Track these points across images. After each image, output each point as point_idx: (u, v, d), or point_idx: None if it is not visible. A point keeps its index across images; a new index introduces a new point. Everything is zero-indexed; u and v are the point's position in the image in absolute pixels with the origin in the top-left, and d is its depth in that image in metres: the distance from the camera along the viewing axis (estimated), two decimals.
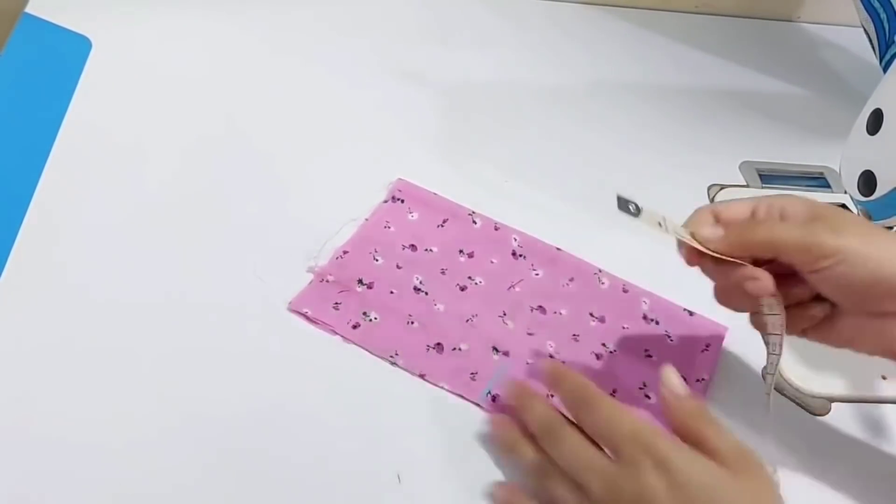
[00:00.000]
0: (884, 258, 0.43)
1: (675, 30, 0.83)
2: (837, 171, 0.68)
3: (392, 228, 0.61)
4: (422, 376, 0.53)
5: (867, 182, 0.51)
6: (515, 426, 0.49)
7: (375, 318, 0.55)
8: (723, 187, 0.68)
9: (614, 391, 0.53)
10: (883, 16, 0.67)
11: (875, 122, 0.51)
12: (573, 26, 0.82)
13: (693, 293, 0.52)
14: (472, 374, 0.53)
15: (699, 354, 0.56)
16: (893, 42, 0.66)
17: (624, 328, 0.57)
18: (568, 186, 0.66)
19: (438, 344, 0.55)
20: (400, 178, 0.64)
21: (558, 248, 0.60)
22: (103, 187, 0.60)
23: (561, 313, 0.58)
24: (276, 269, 0.57)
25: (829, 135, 0.71)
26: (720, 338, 0.57)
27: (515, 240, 0.61)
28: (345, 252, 0.59)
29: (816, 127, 0.74)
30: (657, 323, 0.57)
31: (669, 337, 0.57)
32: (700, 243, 0.47)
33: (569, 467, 0.45)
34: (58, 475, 0.46)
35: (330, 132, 0.67)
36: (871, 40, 0.70)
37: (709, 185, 0.68)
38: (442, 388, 0.52)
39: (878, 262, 0.43)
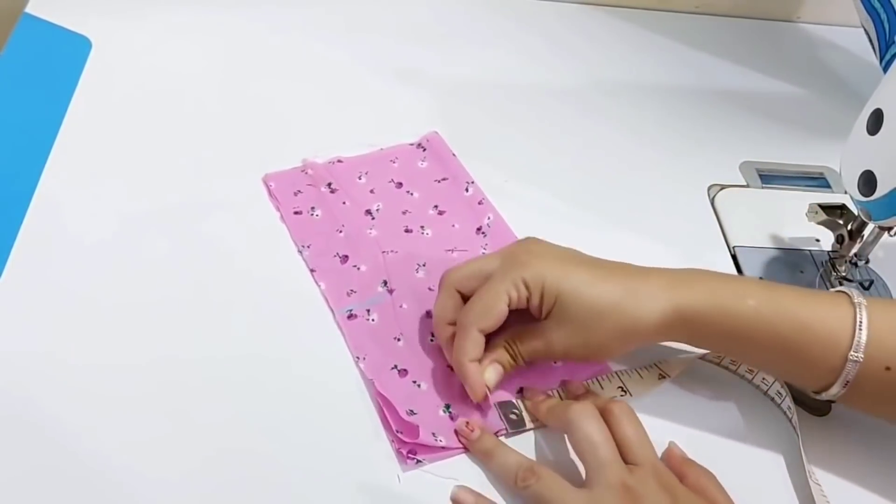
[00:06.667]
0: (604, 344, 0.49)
1: (675, 30, 0.83)
2: (837, 171, 0.68)
3: (396, 165, 0.65)
4: (312, 271, 0.56)
5: (867, 182, 0.51)
6: (487, 431, 0.49)
7: (317, 215, 0.60)
8: (723, 187, 0.68)
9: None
10: (883, 16, 0.67)
11: (875, 122, 0.51)
12: (573, 26, 0.82)
13: None
14: (351, 290, 0.55)
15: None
16: (893, 42, 0.66)
17: None
18: (568, 186, 0.66)
19: (346, 255, 0.57)
20: (435, 131, 0.67)
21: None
22: (103, 187, 0.60)
23: None
24: (269, 277, 0.57)
25: (829, 135, 0.71)
26: (606, 369, 0.54)
27: (489, 218, 0.61)
28: (339, 161, 0.63)
29: (816, 127, 0.74)
30: None
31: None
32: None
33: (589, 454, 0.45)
34: (58, 475, 0.46)
35: (330, 132, 0.67)
36: (871, 40, 0.70)
37: (709, 185, 0.68)
38: (318, 285, 0.55)
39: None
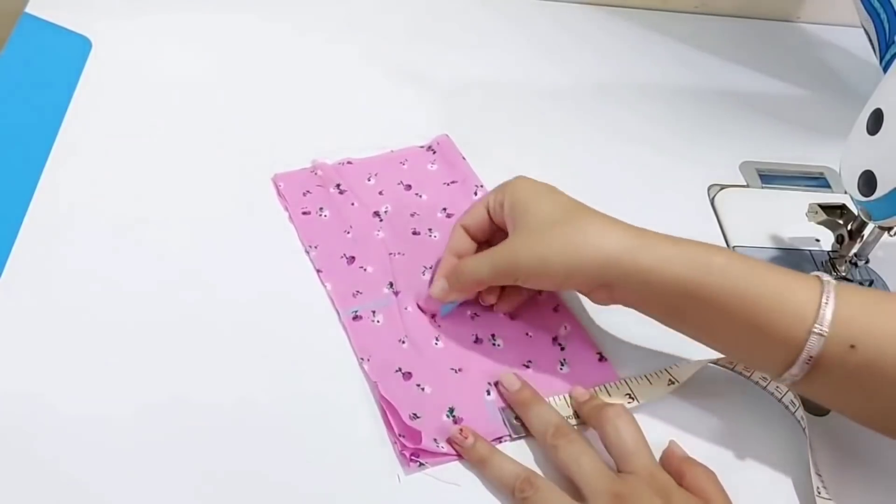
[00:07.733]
0: (550, 256, 0.49)
1: (675, 30, 0.83)
2: (837, 171, 0.68)
3: (405, 167, 0.65)
4: (319, 272, 0.56)
5: (867, 182, 0.51)
6: (481, 437, 0.49)
7: (325, 216, 0.60)
8: (723, 187, 0.68)
9: (460, 369, 0.53)
10: (883, 16, 0.67)
11: (875, 122, 0.51)
12: (573, 26, 0.82)
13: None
14: (357, 291, 0.56)
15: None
16: (893, 42, 0.66)
17: (527, 335, 0.55)
18: (568, 187, 0.65)
19: (353, 257, 0.58)
20: (445, 134, 0.67)
21: None
22: (103, 187, 0.60)
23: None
24: (276, 276, 0.57)
25: (829, 135, 0.72)
26: (614, 376, 0.53)
27: None
28: (349, 162, 0.64)
29: (816, 127, 0.74)
30: (562, 349, 0.54)
31: (562, 365, 0.54)
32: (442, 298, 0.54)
33: (576, 471, 0.46)
34: (59, 475, 0.46)
35: (339, 133, 0.67)
36: (871, 40, 0.70)
37: (709, 185, 0.68)
38: (324, 285, 0.56)
39: (546, 260, 0.49)
